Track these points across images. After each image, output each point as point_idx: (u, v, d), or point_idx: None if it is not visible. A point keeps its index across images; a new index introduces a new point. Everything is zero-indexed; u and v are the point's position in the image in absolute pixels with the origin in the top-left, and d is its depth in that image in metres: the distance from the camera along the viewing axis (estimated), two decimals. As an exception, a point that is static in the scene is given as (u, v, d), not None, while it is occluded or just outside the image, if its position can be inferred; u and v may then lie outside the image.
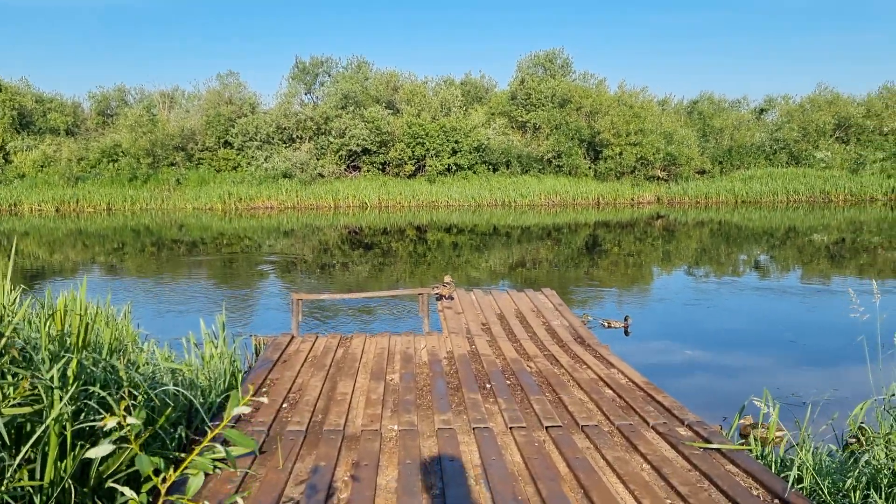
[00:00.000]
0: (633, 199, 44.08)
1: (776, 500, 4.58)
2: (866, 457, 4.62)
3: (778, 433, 7.79)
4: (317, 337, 9.14)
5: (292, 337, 9.07)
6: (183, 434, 5.47)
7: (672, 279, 20.29)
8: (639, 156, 44.91)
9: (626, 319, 13.00)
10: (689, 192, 43.84)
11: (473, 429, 5.93)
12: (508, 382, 7.25)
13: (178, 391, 5.77)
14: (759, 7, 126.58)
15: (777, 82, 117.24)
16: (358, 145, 47.50)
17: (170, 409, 5.20)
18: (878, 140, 50.86)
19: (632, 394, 6.87)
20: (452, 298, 11.61)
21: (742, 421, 8.03)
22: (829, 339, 12.42)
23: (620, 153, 44.93)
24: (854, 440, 7.68)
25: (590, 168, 46.73)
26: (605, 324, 12.89)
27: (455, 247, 28.60)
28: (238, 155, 49.91)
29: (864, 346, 6.58)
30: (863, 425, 7.86)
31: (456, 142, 46.72)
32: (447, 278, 11.33)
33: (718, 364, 10.95)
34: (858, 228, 31.71)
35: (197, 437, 5.66)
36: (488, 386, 7.11)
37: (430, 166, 47.04)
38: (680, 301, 16.30)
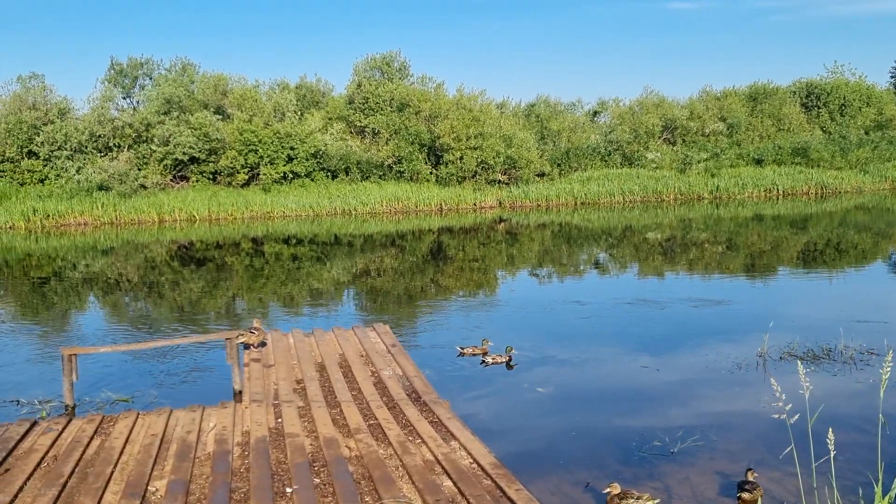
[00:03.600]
0: (475, 204, 43.34)
1: None
2: None
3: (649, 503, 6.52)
4: (69, 420, 6.91)
5: (33, 424, 6.79)
6: None
7: (522, 288, 19.23)
8: (479, 160, 44.26)
9: (507, 351, 11.57)
10: (530, 195, 43.68)
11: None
12: (317, 481, 5.46)
13: None
14: (587, 14, 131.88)
15: (608, 85, 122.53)
16: (184, 153, 43.81)
17: None
18: (701, 141, 53.28)
19: (476, 488, 5.30)
20: (265, 345, 9.64)
21: (608, 489, 6.70)
22: (699, 371, 11.51)
23: (461, 157, 44.10)
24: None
25: (431, 173, 45.61)
26: (489, 360, 11.41)
27: (294, 258, 26.52)
28: (45, 166, 44.76)
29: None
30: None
31: (291, 148, 44.16)
32: (256, 322, 9.35)
33: (584, 403, 9.64)
34: (688, 226, 32.43)
35: None
36: (289, 491, 5.30)
37: (265, 174, 44.19)
38: (537, 320, 15.08)
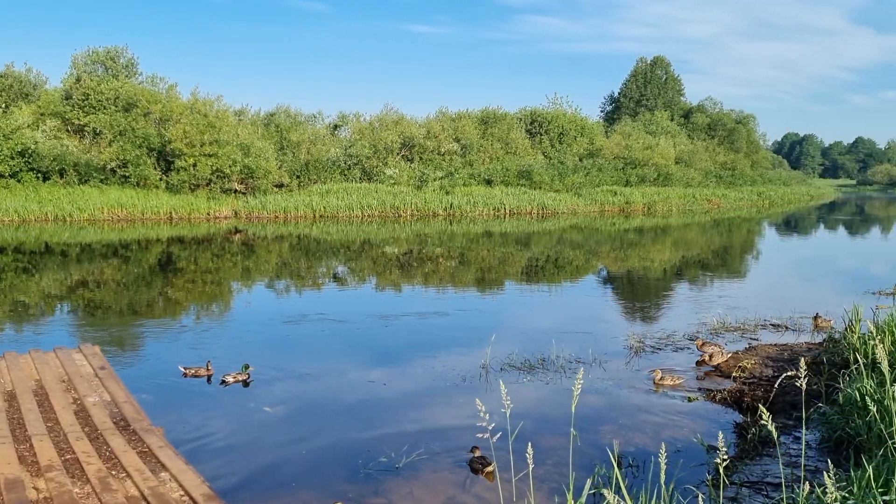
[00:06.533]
0: (209, 214, 41.37)
1: None
2: None
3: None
4: None
5: None
6: None
7: (258, 302, 18.51)
8: (214, 167, 42.34)
9: (245, 368, 11.09)
10: (268, 206, 42.70)
11: None
12: (-10, 533, 4.68)
13: None
14: (330, 27, 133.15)
15: (349, 100, 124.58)
16: None
17: None
18: (437, 159, 55.79)
19: (186, 523, 4.86)
20: (-61, 372, 8.22)
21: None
22: (426, 384, 11.75)
23: (195, 164, 41.86)
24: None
25: (161, 179, 42.78)
26: (229, 379, 10.83)
27: (-6, 269, 23.38)
28: None
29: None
30: None
31: (-7, 144, 39.10)
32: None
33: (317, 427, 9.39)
34: (424, 241, 33.68)
35: None
36: (-49, 549, 4.48)
37: (-42, 173, 38.70)
38: (272, 335, 14.52)
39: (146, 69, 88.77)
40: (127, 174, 41.57)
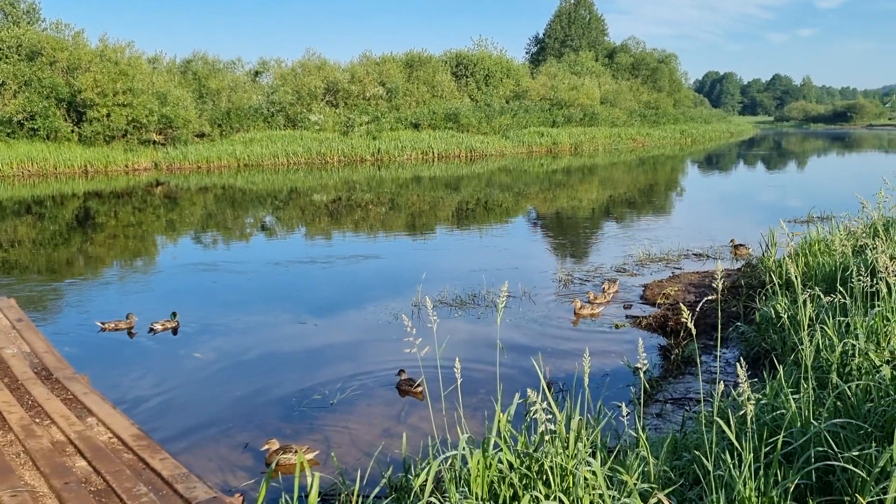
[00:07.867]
0: (126, 166, 39.79)
1: None
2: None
3: (308, 455, 6.51)
4: None
5: None
6: None
7: (185, 255, 18.03)
8: (130, 118, 40.63)
9: (174, 316, 10.96)
10: (190, 156, 41.33)
11: None
12: None
13: None
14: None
15: (269, 45, 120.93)
16: None
17: None
18: (363, 104, 54.88)
19: (115, 463, 4.77)
20: None
21: (267, 446, 6.57)
22: (359, 324, 11.76)
23: (108, 115, 40.04)
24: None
25: (73, 132, 40.87)
26: (157, 328, 10.65)
27: None
28: None
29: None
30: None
31: None
32: None
33: (247, 364, 9.31)
34: (352, 188, 33.30)
35: None
36: None
37: None
38: (202, 287, 14.24)
39: (49, 15, 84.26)
40: (35, 127, 39.51)
